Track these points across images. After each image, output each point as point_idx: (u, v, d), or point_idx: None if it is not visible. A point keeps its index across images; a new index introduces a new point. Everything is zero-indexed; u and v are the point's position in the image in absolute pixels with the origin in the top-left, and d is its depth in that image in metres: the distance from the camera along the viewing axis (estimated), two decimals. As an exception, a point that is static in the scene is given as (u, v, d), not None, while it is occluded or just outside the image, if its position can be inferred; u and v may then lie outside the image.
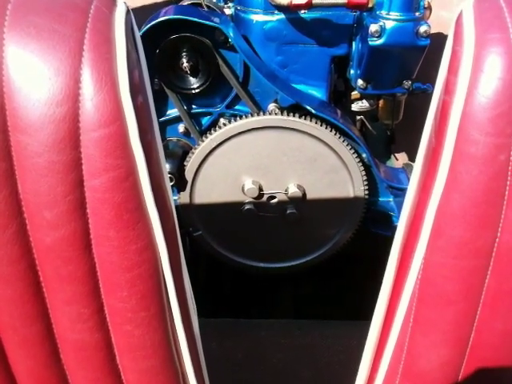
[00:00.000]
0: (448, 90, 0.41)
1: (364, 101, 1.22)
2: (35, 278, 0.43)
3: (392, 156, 1.52)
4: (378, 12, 0.93)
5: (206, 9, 1.13)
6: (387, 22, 0.92)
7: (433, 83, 1.17)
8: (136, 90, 0.40)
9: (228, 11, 1.26)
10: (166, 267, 0.44)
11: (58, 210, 0.40)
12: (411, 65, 1.01)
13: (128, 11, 0.42)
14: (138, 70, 0.41)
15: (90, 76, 0.38)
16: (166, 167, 1.06)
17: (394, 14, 0.92)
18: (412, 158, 1.52)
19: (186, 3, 1.18)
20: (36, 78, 0.38)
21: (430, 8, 1.12)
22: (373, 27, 0.92)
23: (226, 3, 1.33)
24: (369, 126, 1.30)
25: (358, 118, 1.29)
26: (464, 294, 0.45)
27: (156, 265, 0.44)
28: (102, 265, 0.42)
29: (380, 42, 0.93)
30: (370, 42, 0.93)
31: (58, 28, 0.38)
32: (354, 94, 1.20)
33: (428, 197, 0.43)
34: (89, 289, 0.43)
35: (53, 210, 0.40)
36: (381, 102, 1.26)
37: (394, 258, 0.50)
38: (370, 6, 0.93)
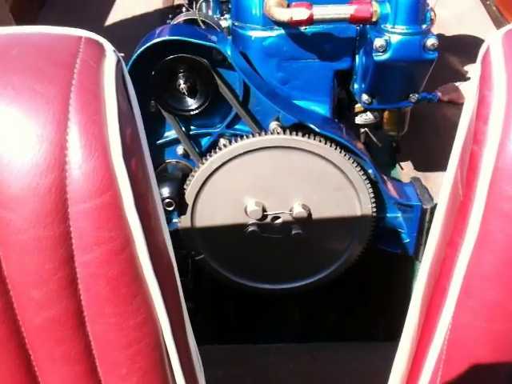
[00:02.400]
0: (477, 139, 0.37)
1: (368, 113, 1.18)
2: (26, 358, 0.39)
3: (397, 165, 1.48)
4: (382, 26, 0.88)
5: (201, 24, 1.09)
6: (392, 35, 0.88)
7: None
8: (129, 152, 0.35)
9: (225, 23, 1.22)
10: (169, 339, 0.40)
11: (47, 289, 0.36)
12: (418, 78, 0.97)
13: (118, 60, 0.38)
14: (130, 128, 0.37)
15: (78, 141, 0.34)
16: (166, 191, 1.02)
17: (400, 28, 0.88)
18: (417, 166, 1.48)
19: (181, 19, 1.13)
20: (17, 146, 0.33)
21: (435, 14, 1.07)
22: (378, 42, 0.88)
23: (222, 15, 1.28)
24: (373, 138, 1.26)
25: (362, 130, 1.25)
26: (495, 358, 0.41)
27: (157, 338, 0.40)
28: (97, 343, 0.38)
29: (385, 56, 0.89)
30: (375, 58, 0.89)
31: (39, 88, 0.34)
32: (358, 106, 1.16)
33: (456, 254, 0.39)
34: (85, 368, 0.39)
35: (41, 290, 0.36)
36: (385, 114, 1.22)
37: (414, 313, 0.46)
38: (374, 19, 0.88)
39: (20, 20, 2.00)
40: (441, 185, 1.46)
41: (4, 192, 0.34)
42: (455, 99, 1.57)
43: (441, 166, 1.44)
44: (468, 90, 1.60)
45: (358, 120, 1.19)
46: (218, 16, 1.27)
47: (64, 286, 0.36)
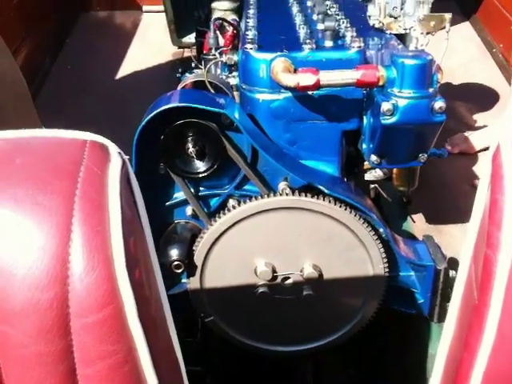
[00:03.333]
0: (490, 243, 0.35)
1: (377, 170, 1.18)
2: None
3: (409, 218, 1.46)
4: (389, 90, 0.89)
5: (209, 86, 1.10)
6: (400, 99, 0.88)
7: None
8: (133, 261, 0.35)
9: (233, 81, 1.23)
10: None
11: (48, 405, 0.34)
12: (427, 140, 0.96)
13: (124, 163, 0.38)
14: (135, 235, 0.36)
15: (80, 254, 0.33)
16: (175, 254, 1.01)
17: (407, 92, 0.88)
18: (429, 219, 1.46)
19: (190, 80, 1.15)
20: (19, 259, 0.33)
21: (442, 74, 1.08)
22: (385, 106, 0.88)
23: (230, 72, 1.30)
24: (383, 194, 1.25)
25: (372, 186, 1.24)
26: None
27: None
28: None
29: (393, 120, 0.89)
30: (383, 121, 0.89)
31: (42, 200, 0.34)
32: (367, 163, 1.16)
33: (473, 358, 0.37)
34: None
35: (42, 405, 0.34)
36: (395, 170, 1.22)
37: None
38: (380, 84, 0.89)
39: (33, 73, 2.05)
40: (453, 237, 1.41)
41: (5, 307, 0.33)
42: (465, 150, 1.56)
43: (452, 217, 1.42)
44: (477, 140, 1.59)
45: (368, 177, 1.18)
46: (227, 73, 1.29)
47: (65, 401, 0.34)
